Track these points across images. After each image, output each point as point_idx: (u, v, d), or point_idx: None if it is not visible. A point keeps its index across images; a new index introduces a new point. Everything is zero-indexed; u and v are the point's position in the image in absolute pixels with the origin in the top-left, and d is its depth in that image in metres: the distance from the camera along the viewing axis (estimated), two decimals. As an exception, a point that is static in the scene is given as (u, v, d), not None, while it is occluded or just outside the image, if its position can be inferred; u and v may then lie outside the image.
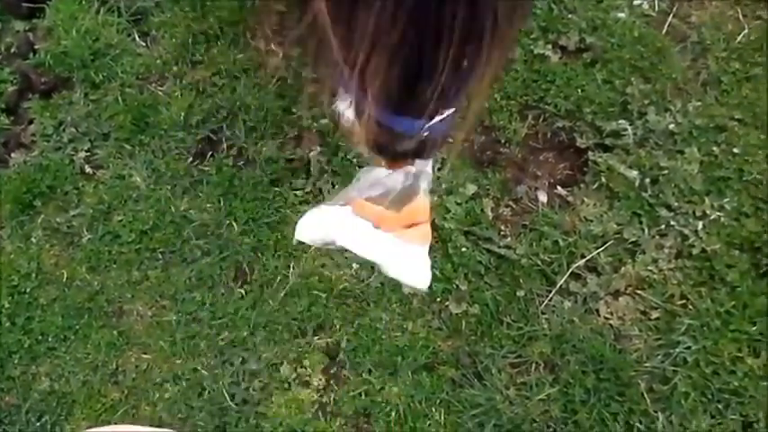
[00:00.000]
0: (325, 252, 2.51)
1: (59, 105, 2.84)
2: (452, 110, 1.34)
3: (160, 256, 2.57)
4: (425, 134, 1.36)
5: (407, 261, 1.81)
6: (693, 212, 2.50)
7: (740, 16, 2.91)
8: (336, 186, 2.60)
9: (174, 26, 3.00)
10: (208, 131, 2.76)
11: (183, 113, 2.76)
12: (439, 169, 2.57)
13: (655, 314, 2.41)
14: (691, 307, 2.41)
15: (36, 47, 2.99)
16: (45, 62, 2.93)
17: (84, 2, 3.02)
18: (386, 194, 1.68)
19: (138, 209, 2.62)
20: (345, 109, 2.21)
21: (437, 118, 1.31)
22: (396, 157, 1.52)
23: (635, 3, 2.93)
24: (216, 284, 2.53)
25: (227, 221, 2.58)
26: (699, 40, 2.85)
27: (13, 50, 3.00)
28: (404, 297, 2.47)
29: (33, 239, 2.62)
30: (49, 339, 2.52)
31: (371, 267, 2.46)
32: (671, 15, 2.92)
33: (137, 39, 2.99)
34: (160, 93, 2.85)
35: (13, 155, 2.77)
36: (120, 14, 3.03)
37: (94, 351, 2.50)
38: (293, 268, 2.51)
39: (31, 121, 2.85)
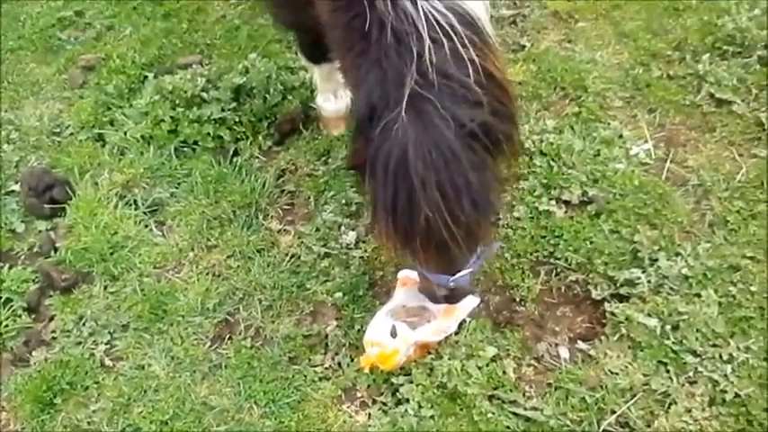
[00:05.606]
0: (349, 429, 2.46)
1: (80, 300, 2.91)
2: (469, 270, 2.26)
3: (181, 448, 2.52)
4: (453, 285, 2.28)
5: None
6: (720, 356, 2.44)
7: (736, 156, 2.98)
8: (355, 360, 2.58)
9: (189, 214, 3.12)
10: (225, 314, 2.79)
11: (199, 298, 2.81)
12: (456, 333, 2.56)
13: (696, 469, 2.30)
14: (733, 458, 2.29)
15: (57, 245, 3.10)
16: (66, 259, 3.03)
17: (102, 198, 3.17)
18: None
19: (158, 398, 2.60)
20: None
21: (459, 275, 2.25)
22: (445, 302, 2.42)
23: (632, 153, 3.01)
24: (239, 474, 2.46)
25: (248, 405, 2.55)
26: (699, 183, 2.90)
27: (35, 250, 3.12)
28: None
29: (54, 439, 2.58)
30: None
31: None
32: (668, 161, 3.00)
33: (153, 229, 3.11)
34: (177, 280, 2.91)
35: (34, 353, 2.79)
36: (137, 207, 3.16)
37: None
38: (317, 450, 2.45)
39: (51, 318, 2.90)
